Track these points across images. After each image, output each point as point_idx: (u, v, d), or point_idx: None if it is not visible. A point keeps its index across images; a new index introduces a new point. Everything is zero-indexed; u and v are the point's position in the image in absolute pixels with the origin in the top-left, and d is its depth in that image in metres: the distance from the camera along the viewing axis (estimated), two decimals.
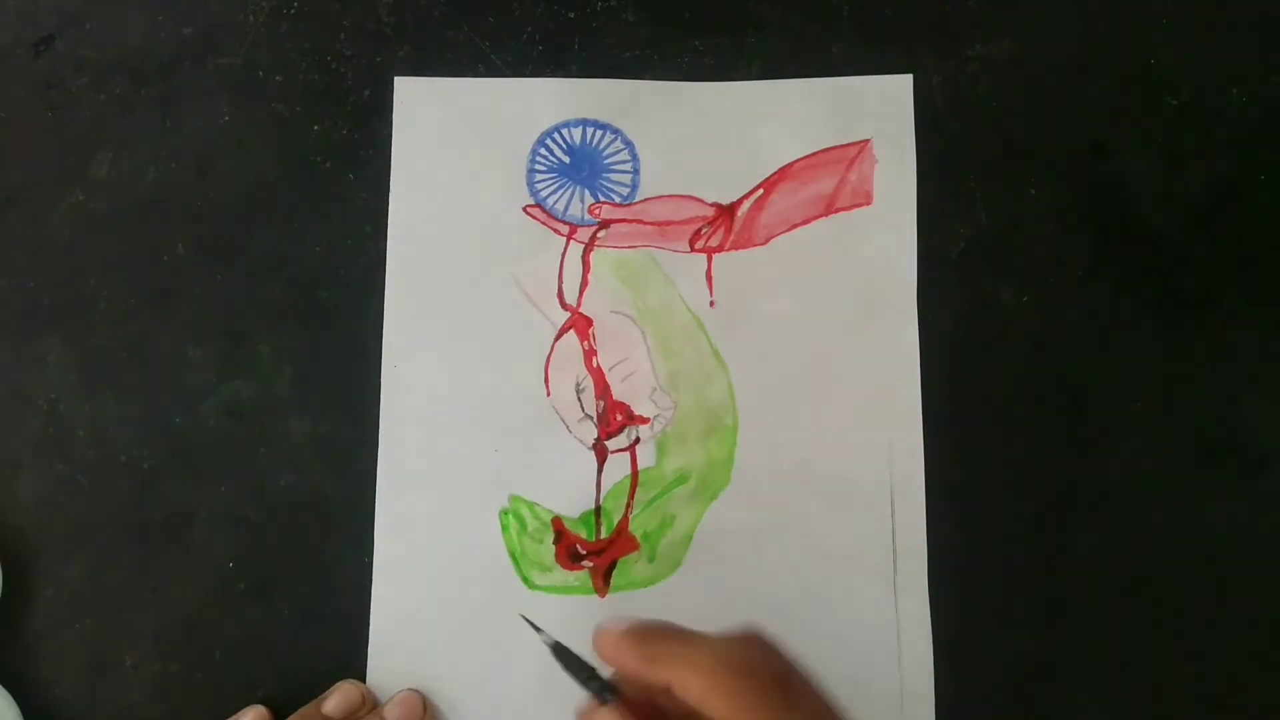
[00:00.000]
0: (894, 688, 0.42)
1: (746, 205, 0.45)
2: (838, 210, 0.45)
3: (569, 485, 0.43)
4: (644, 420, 0.43)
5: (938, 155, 0.45)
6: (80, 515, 0.43)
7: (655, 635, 0.33)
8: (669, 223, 0.45)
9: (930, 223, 0.44)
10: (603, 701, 0.33)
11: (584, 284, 0.44)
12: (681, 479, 0.43)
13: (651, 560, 0.43)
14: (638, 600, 0.42)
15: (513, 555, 0.43)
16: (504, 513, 0.43)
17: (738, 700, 0.30)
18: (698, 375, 0.44)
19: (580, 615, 0.42)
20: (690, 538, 0.43)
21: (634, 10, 0.46)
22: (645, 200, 0.45)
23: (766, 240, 0.45)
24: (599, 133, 0.45)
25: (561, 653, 0.35)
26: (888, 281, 0.44)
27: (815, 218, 0.45)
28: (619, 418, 0.43)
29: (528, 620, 0.37)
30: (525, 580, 0.42)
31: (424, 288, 0.44)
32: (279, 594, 0.42)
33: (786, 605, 0.42)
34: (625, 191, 0.45)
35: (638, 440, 0.43)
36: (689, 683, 0.31)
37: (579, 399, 0.44)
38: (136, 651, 0.42)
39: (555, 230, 0.45)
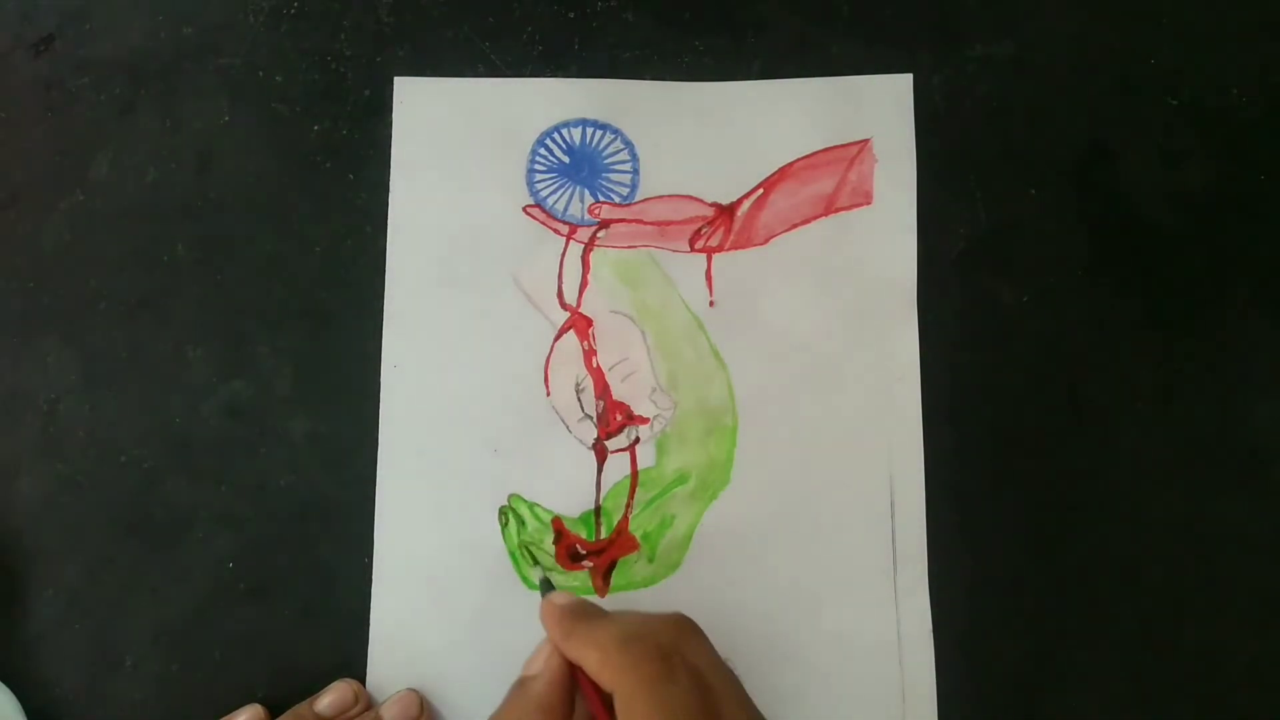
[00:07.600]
0: (895, 688, 0.42)
1: (746, 205, 0.45)
2: (837, 210, 0.45)
3: (569, 485, 0.43)
4: (644, 420, 0.43)
5: (938, 155, 0.45)
6: (80, 515, 0.43)
7: (577, 614, 0.36)
8: (669, 223, 0.45)
9: (930, 223, 0.44)
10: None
11: (584, 284, 0.44)
12: (681, 479, 0.43)
13: (651, 560, 0.43)
14: (638, 600, 0.42)
15: (513, 555, 0.42)
16: (504, 512, 0.43)
17: (619, 670, 0.33)
18: (697, 375, 0.44)
19: None
20: (690, 538, 0.43)
21: (634, 10, 0.46)
22: (645, 200, 0.45)
23: (766, 240, 0.45)
24: (599, 133, 0.45)
25: (547, 588, 0.40)
26: (888, 281, 0.44)
27: (815, 218, 0.45)
28: (619, 418, 0.43)
29: (532, 553, 0.42)
30: (525, 580, 0.42)
31: (424, 288, 0.44)
32: (279, 594, 0.42)
33: (786, 605, 0.42)
34: (625, 191, 0.45)
35: (637, 440, 0.43)
36: (589, 658, 0.34)
37: (579, 399, 0.44)
38: (136, 651, 0.42)
39: (555, 230, 0.45)
